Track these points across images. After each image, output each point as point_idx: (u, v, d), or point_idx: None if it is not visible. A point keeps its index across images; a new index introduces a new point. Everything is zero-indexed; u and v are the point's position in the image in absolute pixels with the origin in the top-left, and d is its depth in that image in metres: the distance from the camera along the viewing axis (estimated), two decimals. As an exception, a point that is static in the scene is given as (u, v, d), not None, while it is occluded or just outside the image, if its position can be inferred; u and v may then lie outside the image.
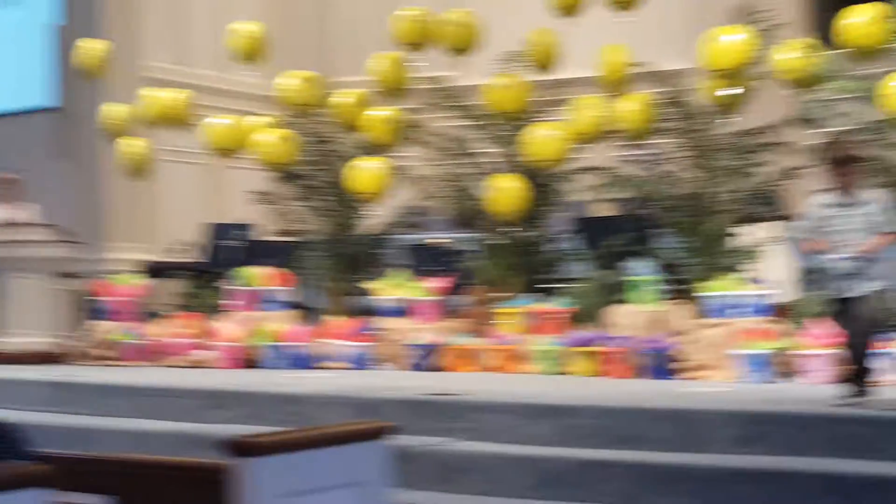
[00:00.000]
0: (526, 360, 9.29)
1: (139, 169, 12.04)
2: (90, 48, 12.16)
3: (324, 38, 15.65)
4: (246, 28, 11.67)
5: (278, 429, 7.49)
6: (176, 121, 11.81)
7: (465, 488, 6.51)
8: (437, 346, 9.67)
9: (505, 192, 10.14)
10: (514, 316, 9.73)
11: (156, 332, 10.83)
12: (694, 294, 9.23)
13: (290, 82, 11.28)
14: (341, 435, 3.50)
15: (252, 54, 11.69)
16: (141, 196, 13.97)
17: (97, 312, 11.29)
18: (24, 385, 9.33)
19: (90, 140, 14.14)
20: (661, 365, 8.80)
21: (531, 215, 10.45)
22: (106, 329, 11.01)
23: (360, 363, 9.80)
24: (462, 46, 10.76)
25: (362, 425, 3.63)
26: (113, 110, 12.15)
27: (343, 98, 11.20)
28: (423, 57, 10.98)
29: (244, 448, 3.17)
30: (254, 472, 3.17)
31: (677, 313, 9.25)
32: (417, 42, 10.83)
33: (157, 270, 12.62)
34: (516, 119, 10.53)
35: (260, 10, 14.32)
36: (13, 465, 2.67)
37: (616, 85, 10.18)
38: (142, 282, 11.52)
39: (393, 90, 10.93)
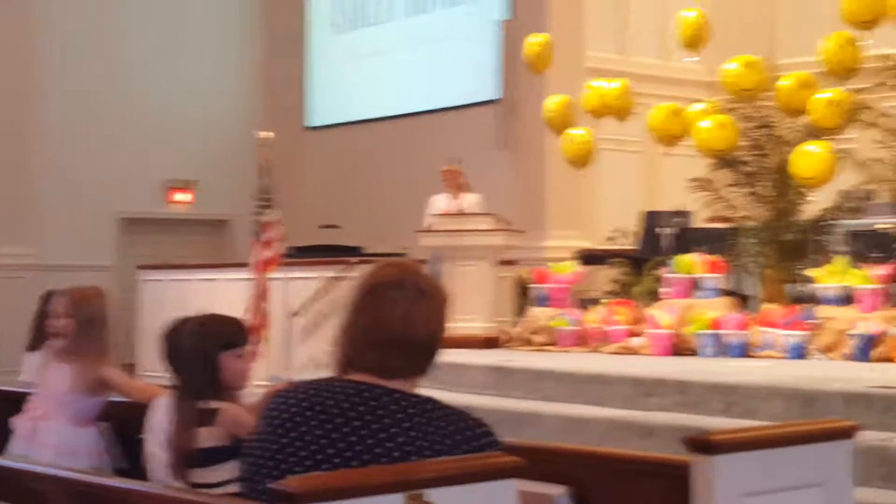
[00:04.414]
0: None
1: (580, 159, 12.11)
2: (535, 42, 12.35)
3: (772, 20, 15.17)
4: (690, 14, 11.46)
5: (714, 419, 7.38)
6: (616, 110, 11.78)
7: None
8: (879, 335, 9.07)
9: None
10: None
11: (591, 318, 10.85)
12: None
13: (733, 68, 10.94)
14: (809, 434, 3.34)
15: (695, 40, 11.46)
16: (580, 185, 14.11)
17: (536, 299, 11.48)
18: (466, 369, 9.58)
19: (532, 131, 14.44)
20: None
21: None
22: (543, 315, 11.15)
23: (797, 353, 9.36)
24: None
25: (831, 424, 3.48)
26: (555, 102, 12.29)
27: (787, 81, 10.74)
28: (873, 34, 10.32)
29: (709, 445, 3.05)
30: (718, 469, 3.05)
31: None
32: (868, 20, 10.19)
33: (593, 258, 12.68)
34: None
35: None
36: (492, 456, 2.75)
37: None
38: (578, 269, 11.58)
39: (841, 71, 10.35)
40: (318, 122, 18.78)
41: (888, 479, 6.14)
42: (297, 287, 12.74)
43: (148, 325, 14.23)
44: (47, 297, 6.38)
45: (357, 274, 11.89)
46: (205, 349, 4.26)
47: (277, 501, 2.43)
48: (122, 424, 5.17)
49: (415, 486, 2.52)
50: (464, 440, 2.82)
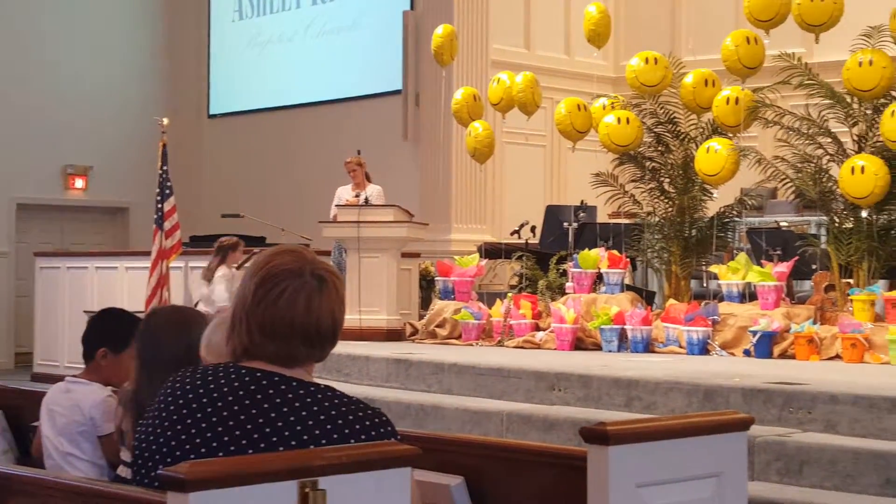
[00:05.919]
0: (873, 349, 8.69)
1: (484, 152, 12.11)
2: (440, 33, 12.32)
3: (674, 17, 15.33)
4: (593, 10, 11.52)
5: (615, 413, 7.41)
6: (522, 104, 11.79)
7: (808, 481, 6.14)
8: (779, 332, 9.19)
9: (861, 174, 9.48)
10: (863, 303, 9.12)
11: (495, 312, 10.85)
12: None
13: (636, 63, 11.02)
14: (704, 425, 3.34)
15: (599, 36, 11.53)
16: (484, 178, 14.13)
17: (440, 292, 11.45)
18: (369, 361, 9.54)
19: (437, 123, 14.43)
20: None
21: (887, 199, 9.73)
22: (447, 308, 11.12)
23: (698, 349, 9.44)
24: (817, 21, 10.15)
25: (725, 416, 3.45)
26: (461, 94, 12.27)
27: (690, 78, 10.84)
28: (775, 33, 10.43)
29: (604, 435, 3.02)
30: (614, 460, 3.03)
31: None
32: (770, 18, 10.30)
33: (497, 251, 12.70)
34: (875, 98, 9.83)
35: (608, -9, 14.16)
36: (387, 444, 2.72)
37: None
38: (482, 262, 11.58)
39: (742, 69, 10.46)
40: (220, 109, 18.57)
41: (784, 474, 6.23)
42: (198, 276, 12.57)
43: (44, 313, 13.96)
44: None
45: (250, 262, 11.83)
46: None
47: (169, 487, 2.36)
48: (9, 412, 5.09)
49: (309, 473, 2.47)
50: (362, 430, 2.77)
